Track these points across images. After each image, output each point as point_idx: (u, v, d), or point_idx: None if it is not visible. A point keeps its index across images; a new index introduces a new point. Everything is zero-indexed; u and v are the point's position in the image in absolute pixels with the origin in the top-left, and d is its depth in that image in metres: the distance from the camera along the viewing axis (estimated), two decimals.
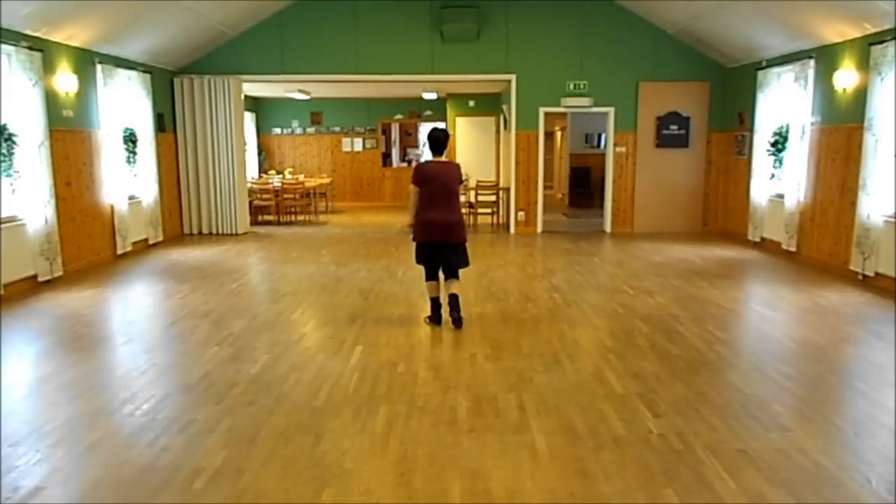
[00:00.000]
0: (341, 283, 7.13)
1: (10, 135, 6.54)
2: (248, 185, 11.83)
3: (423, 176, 5.35)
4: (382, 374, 4.37)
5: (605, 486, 2.95)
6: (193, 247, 9.67)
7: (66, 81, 7.52)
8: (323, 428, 3.55)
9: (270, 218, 12.57)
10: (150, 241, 9.56)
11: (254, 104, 15.46)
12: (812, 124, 8.12)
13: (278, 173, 14.46)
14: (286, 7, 10.34)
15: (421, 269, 5.63)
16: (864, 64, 7.01)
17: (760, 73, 9.18)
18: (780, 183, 8.86)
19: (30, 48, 6.72)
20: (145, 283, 7.43)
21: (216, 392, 4.06)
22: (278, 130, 16.14)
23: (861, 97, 7.07)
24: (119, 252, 8.65)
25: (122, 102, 8.78)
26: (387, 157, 17.25)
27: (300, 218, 12.95)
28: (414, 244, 5.52)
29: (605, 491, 2.91)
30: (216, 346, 4.97)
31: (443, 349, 4.92)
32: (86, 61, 7.99)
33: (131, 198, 9.04)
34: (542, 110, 10.63)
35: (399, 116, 16.42)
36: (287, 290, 6.88)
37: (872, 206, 6.86)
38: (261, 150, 15.97)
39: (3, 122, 6.45)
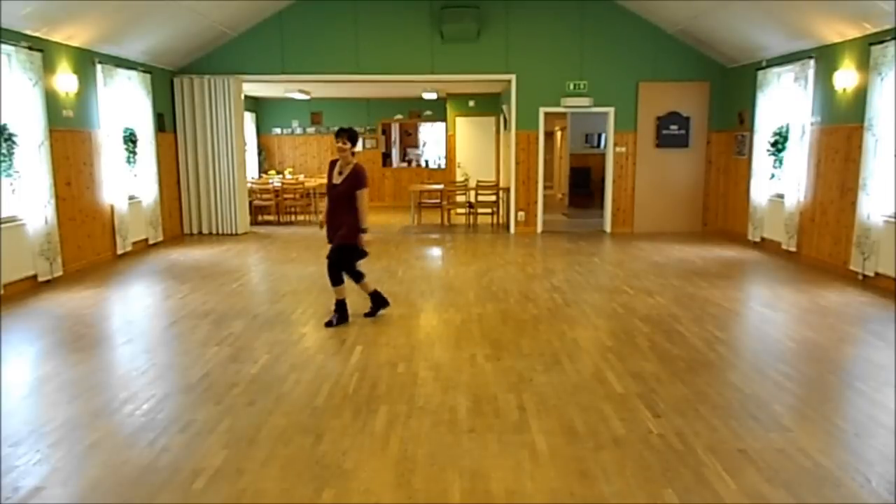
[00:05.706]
0: None
1: (10, 135, 6.54)
2: (248, 185, 11.84)
3: (329, 173, 5.48)
4: (382, 374, 4.37)
5: (605, 486, 2.95)
6: (193, 247, 9.67)
7: (66, 81, 7.52)
8: (323, 428, 3.55)
9: (270, 218, 12.58)
10: (150, 241, 9.56)
11: (254, 104, 15.47)
12: (812, 124, 8.11)
13: (278, 173, 14.47)
14: (286, 7, 10.34)
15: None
16: (864, 64, 7.01)
17: (760, 73, 9.18)
18: (780, 183, 8.86)
19: (30, 48, 6.73)
20: (145, 283, 7.43)
21: (216, 392, 4.06)
22: (278, 130, 16.14)
23: (861, 97, 7.07)
24: (119, 252, 8.65)
25: (122, 102, 8.78)
26: (387, 157, 17.23)
27: (300, 218, 12.94)
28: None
29: (605, 491, 2.91)
30: (216, 346, 4.97)
31: (443, 349, 4.92)
32: (86, 61, 7.99)
33: (131, 198, 9.04)
34: (542, 110, 10.63)
35: (399, 116, 16.42)
36: (287, 289, 6.87)
37: (872, 206, 6.86)
38: (261, 150, 15.98)
39: (3, 122, 6.46)
